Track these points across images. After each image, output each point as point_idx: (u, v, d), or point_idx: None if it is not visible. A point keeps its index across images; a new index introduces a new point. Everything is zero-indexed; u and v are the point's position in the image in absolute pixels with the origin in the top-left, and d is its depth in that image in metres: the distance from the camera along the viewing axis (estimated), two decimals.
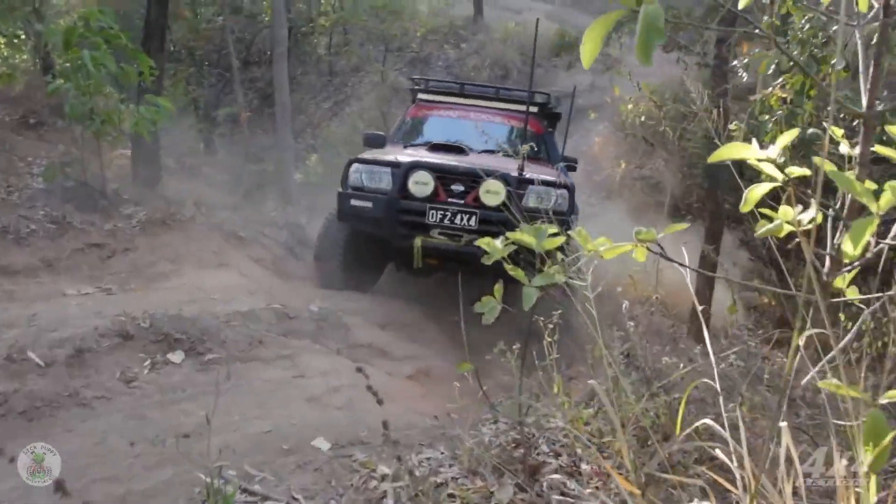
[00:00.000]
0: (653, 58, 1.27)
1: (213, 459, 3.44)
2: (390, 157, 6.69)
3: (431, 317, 7.15)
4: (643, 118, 13.88)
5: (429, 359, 6.19)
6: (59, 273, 6.06)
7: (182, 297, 5.74)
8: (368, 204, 6.38)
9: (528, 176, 6.17)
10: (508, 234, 2.94)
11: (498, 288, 3.00)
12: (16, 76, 9.34)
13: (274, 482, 3.27)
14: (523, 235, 2.91)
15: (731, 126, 4.29)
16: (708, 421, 1.92)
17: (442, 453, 3.54)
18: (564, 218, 6.03)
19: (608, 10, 1.32)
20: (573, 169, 7.45)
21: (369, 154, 6.93)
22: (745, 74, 4.21)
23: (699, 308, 2.62)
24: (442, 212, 6.26)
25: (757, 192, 1.79)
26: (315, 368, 4.88)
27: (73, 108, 6.59)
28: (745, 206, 1.85)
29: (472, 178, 6.26)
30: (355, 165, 6.57)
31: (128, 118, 6.94)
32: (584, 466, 3.39)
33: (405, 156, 6.79)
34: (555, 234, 3.64)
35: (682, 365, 3.55)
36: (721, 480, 1.92)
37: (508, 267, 2.86)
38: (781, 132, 3.87)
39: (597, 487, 3.17)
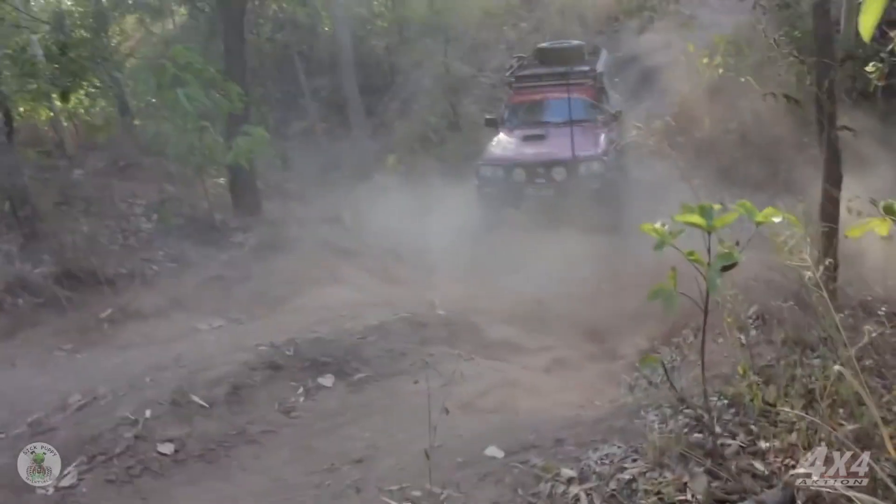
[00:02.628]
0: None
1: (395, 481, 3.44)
2: (501, 155, 9.89)
3: (547, 306, 7.11)
4: (721, 70, 13.43)
5: (558, 349, 6.14)
6: (188, 309, 6.18)
7: (310, 319, 5.78)
8: (492, 190, 9.55)
9: (578, 157, 9.20)
10: (676, 217, 2.83)
11: (672, 274, 2.89)
12: (112, 126, 9.56)
13: (461, 499, 3.21)
14: (693, 217, 2.80)
15: (868, 67, 4.04)
16: None
17: (619, 447, 3.41)
18: (603, 176, 9.36)
19: None
20: (617, 118, 10.33)
21: (488, 155, 10.04)
22: None
23: None
24: (534, 187, 9.45)
25: None
26: (459, 374, 4.83)
27: (174, 148, 6.70)
28: None
29: (548, 164, 9.42)
30: (483, 166, 9.73)
31: (224, 150, 7.02)
32: (762, 444, 3.25)
33: (509, 149, 9.99)
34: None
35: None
36: None
37: (686, 252, 2.76)
38: None
39: (783, 464, 3.05)
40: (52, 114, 11.22)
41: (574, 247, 8.13)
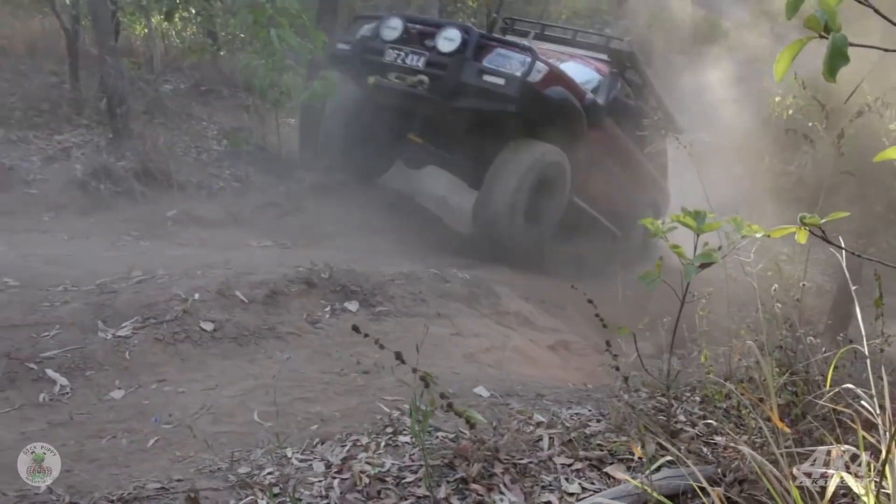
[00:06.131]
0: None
1: (391, 394, 3.98)
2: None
3: (567, 294, 7.54)
4: (790, 111, 13.57)
5: (567, 333, 6.60)
6: (242, 226, 6.86)
7: (348, 256, 6.36)
8: (347, 46, 7.01)
9: (493, 34, 6.52)
10: (673, 216, 3.20)
11: (659, 263, 3.33)
12: (203, 51, 10.26)
13: (444, 418, 3.74)
14: (686, 219, 3.19)
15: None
16: (850, 386, 2.22)
17: (589, 411, 3.88)
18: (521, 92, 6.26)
19: None
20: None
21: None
22: None
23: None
24: (398, 51, 6.55)
25: None
26: (469, 329, 5.38)
27: (259, 81, 7.33)
28: None
29: (438, 27, 6.63)
30: (360, 20, 7.37)
31: (301, 91, 7.63)
32: (718, 438, 3.68)
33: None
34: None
35: (823, 349, 3.79)
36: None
37: (671, 245, 3.13)
38: None
39: (730, 457, 3.48)
40: (146, 31, 11.96)
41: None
